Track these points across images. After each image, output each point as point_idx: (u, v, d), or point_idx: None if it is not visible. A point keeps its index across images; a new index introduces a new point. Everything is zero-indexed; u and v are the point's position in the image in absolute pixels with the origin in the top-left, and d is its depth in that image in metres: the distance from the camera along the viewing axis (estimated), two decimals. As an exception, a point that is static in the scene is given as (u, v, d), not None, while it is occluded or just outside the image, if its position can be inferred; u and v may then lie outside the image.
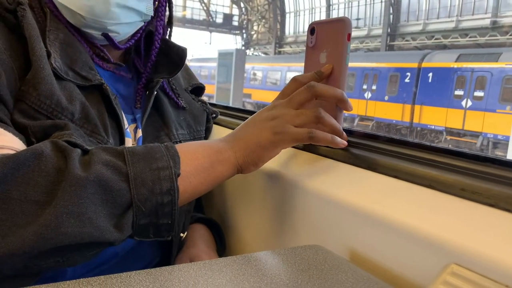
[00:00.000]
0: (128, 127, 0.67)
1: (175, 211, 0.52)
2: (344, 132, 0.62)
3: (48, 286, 0.38)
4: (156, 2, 0.72)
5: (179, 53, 0.76)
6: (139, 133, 0.69)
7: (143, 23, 0.70)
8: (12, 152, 0.49)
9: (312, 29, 0.64)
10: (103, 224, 0.47)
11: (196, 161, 0.55)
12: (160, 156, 0.52)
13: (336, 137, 0.59)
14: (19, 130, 0.53)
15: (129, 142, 0.65)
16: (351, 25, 0.60)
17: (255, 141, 0.58)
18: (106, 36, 0.66)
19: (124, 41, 0.71)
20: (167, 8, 0.76)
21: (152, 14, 0.69)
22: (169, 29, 0.77)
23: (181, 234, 0.72)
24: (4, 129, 0.51)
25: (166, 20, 0.76)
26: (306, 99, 0.59)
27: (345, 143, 0.61)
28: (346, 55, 0.59)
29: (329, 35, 0.61)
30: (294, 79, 0.62)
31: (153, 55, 0.74)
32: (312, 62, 0.64)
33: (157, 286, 0.39)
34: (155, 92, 0.72)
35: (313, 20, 0.64)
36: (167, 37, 0.77)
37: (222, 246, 0.80)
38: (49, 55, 0.58)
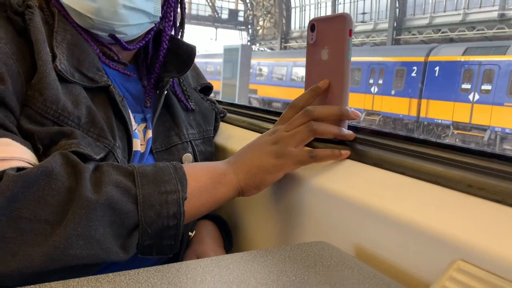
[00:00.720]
0: (136, 128, 0.68)
1: (179, 233, 0.53)
2: (347, 132, 0.63)
3: (58, 284, 0.38)
4: (165, 3, 0.72)
5: (188, 51, 0.76)
6: (149, 133, 0.69)
7: (153, 24, 0.70)
8: (22, 163, 0.49)
9: (312, 26, 0.64)
10: (110, 246, 0.48)
11: (199, 182, 0.57)
12: (168, 179, 0.53)
13: (335, 150, 0.61)
14: (26, 136, 0.54)
15: (137, 143, 0.66)
16: (352, 20, 0.60)
17: (257, 165, 0.60)
18: (113, 37, 0.66)
19: (134, 42, 0.71)
20: (178, 9, 0.75)
21: (160, 15, 0.69)
22: (181, 30, 0.77)
23: (190, 233, 0.72)
24: (12, 139, 0.51)
25: (178, 19, 0.76)
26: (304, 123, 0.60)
27: (348, 152, 0.62)
28: (348, 51, 0.59)
29: (330, 31, 0.61)
30: (291, 105, 0.64)
31: (161, 55, 0.74)
32: (314, 59, 0.64)
33: (165, 282, 0.39)
34: (165, 92, 0.72)
35: (318, 14, 0.63)
36: (178, 37, 0.77)
37: (229, 243, 0.81)
38: (54, 57, 0.58)
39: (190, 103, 0.79)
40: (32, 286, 0.37)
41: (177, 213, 0.52)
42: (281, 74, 13.32)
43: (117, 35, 0.66)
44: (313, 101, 0.63)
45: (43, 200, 0.46)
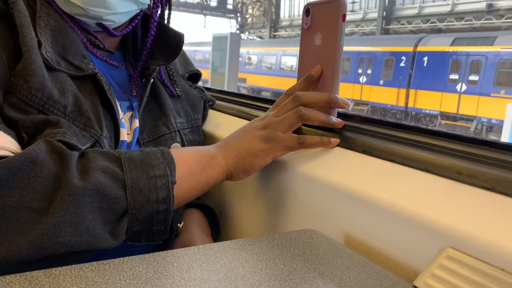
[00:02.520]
0: (123, 116, 0.66)
1: (169, 218, 0.52)
2: (335, 120, 0.62)
3: (40, 272, 0.37)
4: None
5: (176, 39, 0.74)
6: (136, 123, 0.68)
7: (139, 11, 0.69)
8: (5, 151, 0.48)
9: (307, 10, 0.63)
10: (99, 232, 0.47)
11: (187, 166, 0.56)
12: (157, 164, 0.52)
13: (325, 137, 0.61)
14: (9, 124, 0.52)
15: (124, 133, 0.64)
16: (346, 5, 0.59)
17: (246, 148, 0.59)
18: (100, 25, 0.64)
19: (120, 28, 0.69)
20: None
21: (149, 2, 0.68)
22: (167, 13, 0.75)
23: (178, 225, 0.71)
24: None
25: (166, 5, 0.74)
26: (293, 109, 0.60)
27: (337, 140, 0.61)
28: (341, 36, 0.59)
29: (324, 16, 0.60)
30: (286, 93, 0.64)
31: (148, 42, 0.73)
32: (308, 44, 0.63)
33: (151, 271, 0.39)
34: (152, 80, 0.70)
35: (307, 3, 0.63)
36: (165, 22, 0.76)
37: (217, 232, 0.80)
38: (40, 44, 0.56)
39: (176, 89, 0.78)
40: (12, 275, 0.36)
41: (167, 198, 0.51)
42: (270, 63, 13.28)
43: (104, 23, 0.64)
44: (308, 89, 0.63)
45: (28, 187, 0.45)
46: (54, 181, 0.46)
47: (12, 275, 0.36)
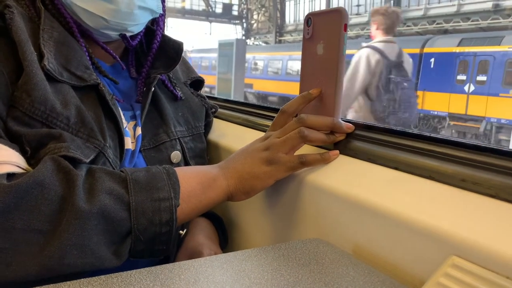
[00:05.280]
0: (127, 125, 0.67)
1: (171, 239, 0.54)
2: (344, 124, 0.63)
3: (49, 287, 0.38)
4: None
5: (175, 48, 0.75)
6: (139, 130, 0.68)
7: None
8: (12, 167, 0.49)
9: (308, 20, 0.63)
10: (103, 253, 0.49)
11: (189, 187, 0.57)
12: (161, 186, 0.53)
13: (325, 153, 0.61)
14: (13, 138, 0.53)
15: (128, 141, 0.65)
16: (348, 15, 0.59)
17: (248, 171, 0.60)
18: (124, 36, 0.67)
19: (134, 38, 0.72)
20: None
21: (162, 12, 0.71)
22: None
23: (180, 232, 0.72)
24: (0, 143, 0.50)
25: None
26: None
27: (336, 152, 0.62)
28: (343, 46, 0.59)
29: (325, 26, 0.61)
30: (282, 110, 0.65)
31: (154, 48, 0.74)
32: (310, 54, 0.63)
33: (158, 284, 0.39)
34: (153, 89, 0.72)
35: (313, 8, 0.63)
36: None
37: (225, 240, 0.80)
38: (42, 56, 0.57)
39: (178, 91, 0.79)
40: (22, 290, 0.37)
41: (170, 221, 0.53)
42: (277, 68, 13.28)
43: (126, 34, 0.67)
44: (303, 107, 0.64)
45: (36, 210, 0.46)
46: (60, 203, 0.47)
47: (22, 290, 0.37)
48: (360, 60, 2.25)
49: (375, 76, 2.24)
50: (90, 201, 0.48)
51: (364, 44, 2.35)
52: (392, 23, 2.35)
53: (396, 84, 2.28)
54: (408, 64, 2.39)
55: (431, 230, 0.43)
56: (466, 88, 8.57)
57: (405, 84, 2.31)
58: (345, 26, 0.59)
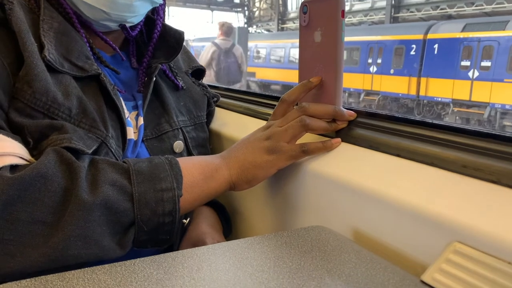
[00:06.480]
0: (129, 116, 0.67)
1: (174, 228, 0.54)
2: (346, 112, 0.62)
3: (54, 276, 0.38)
4: None
5: (176, 37, 0.75)
6: (141, 120, 0.69)
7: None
8: (15, 158, 0.49)
9: (304, 8, 0.63)
10: (107, 244, 0.49)
11: (191, 178, 0.57)
12: (164, 176, 0.54)
13: (327, 141, 0.61)
14: (16, 129, 0.53)
15: (130, 131, 0.65)
16: (344, 2, 0.59)
17: (250, 160, 0.60)
18: (123, 27, 0.67)
19: (134, 28, 0.72)
20: None
21: (161, 1, 0.70)
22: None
23: (184, 221, 0.72)
24: (3, 134, 0.51)
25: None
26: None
27: (338, 140, 0.62)
28: (341, 33, 0.58)
29: (322, 13, 0.60)
30: (282, 99, 0.64)
31: (154, 38, 0.74)
32: (307, 41, 0.63)
33: (161, 272, 0.39)
34: (154, 78, 0.71)
35: (304, 1, 0.63)
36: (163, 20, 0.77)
37: (228, 228, 0.81)
38: (42, 47, 0.57)
39: (180, 81, 0.79)
40: (28, 279, 0.38)
41: (173, 211, 0.53)
42: (279, 56, 13.22)
43: (126, 25, 0.67)
44: (304, 95, 0.63)
45: (40, 202, 0.47)
46: (64, 195, 0.48)
47: (27, 280, 0.37)
48: (206, 49, 4.57)
49: (214, 59, 4.48)
50: (93, 193, 0.48)
51: (211, 41, 4.61)
52: (228, 30, 4.66)
53: (226, 62, 4.56)
54: (237, 51, 4.71)
55: (433, 216, 0.43)
56: (470, 74, 8.51)
57: (230, 61, 4.58)
58: (343, 12, 0.58)
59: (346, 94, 10.38)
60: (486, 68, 8.27)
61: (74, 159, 0.51)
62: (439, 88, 9.10)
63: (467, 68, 8.56)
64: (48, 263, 0.46)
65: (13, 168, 0.49)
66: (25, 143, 0.53)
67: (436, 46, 9.07)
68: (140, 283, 0.38)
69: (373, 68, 10.45)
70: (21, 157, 0.50)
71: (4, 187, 0.45)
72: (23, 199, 0.46)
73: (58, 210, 0.47)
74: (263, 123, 0.67)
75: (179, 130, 0.74)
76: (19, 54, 0.55)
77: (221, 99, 0.93)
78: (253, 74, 13.90)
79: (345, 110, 0.63)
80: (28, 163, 0.51)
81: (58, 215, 0.47)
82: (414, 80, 9.56)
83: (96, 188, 0.49)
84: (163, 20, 0.75)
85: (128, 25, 0.68)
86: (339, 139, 0.62)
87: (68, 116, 0.56)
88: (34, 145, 0.53)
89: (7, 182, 0.45)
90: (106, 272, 0.39)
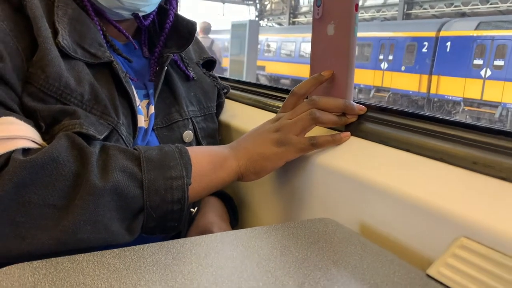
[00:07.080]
0: (140, 104, 0.68)
1: (182, 216, 0.55)
2: (357, 106, 0.62)
3: (64, 259, 0.39)
4: None
5: (189, 27, 0.75)
6: (152, 109, 0.69)
7: None
8: (27, 142, 0.50)
9: (318, 1, 0.62)
10: (116, 229, 0.50)
11: (200, 167, 0.57)
12: (174, 165, 0.54)
13: (336, 134, 0.61)
14: (28, 113, 0.54)
15: (141, 120, 0.66)
16: None
17: (258, 152, 0.60)
18: (136, 16, 0.67)
19: (146, 17, 0.72)
20: None
21: None
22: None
23: (191, 210, 0.73)
24: (16, 117, 0.51)
25: None
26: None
27: (348, 134, 0.62)
28: (354, 26, 0.58)
29: (336, 6, 0.60)
30: (292, 92, 0.64)
31: (167, 28, 0.74)
32: (320, 34, 0.63)
33: (170, 258, 0.40)
34: (166, 68, 0.72)
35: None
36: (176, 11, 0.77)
37: (235, 219, 0.81)
38: (56, 33, 0.57)
39: (191, 72, 0.79)
40: (39, 261, 0.38)
41: (182, 199, 0.54)
42: (290, 50, 13.17)
43: (139, 13, 0.68)
44: (315, 89, 0.63)
45: (51, 185, 0.47)
46: (74, 179, 0.48)
47: (38, 261, 0.38)
48: None
49: None
50: (104, 178, 0.49)
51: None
52: (205, 29, 5.34)
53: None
54: (216, 48, 5.74)
55: (441, 212, 0.43)
56: (482, 73, 8.42)
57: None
58: (356, 6, 0.58)
59: (356, 90, 10.33)
60: (499, 67, 8.18)
61: (85, 144, 0.51)
62: (450, 87, 9.02)
63: (479, 67, 8.47)
64: (57, 246, 0.47)
65: (26, 151, 0.49)
66: (38, 128, 0.54)
67: (448, 44, 8.98)
68: (148, 267, 0.38)
69: (384, 65, 10.38)
70: (33, 141, 0.51)
71: (17, 169, 0.46)
72: (35, 182, 0.46)
73: (68, 194, 0.48)
74: (272, 115, 0.67)
75: (189, 120, 0.74)
76: (33, 39, 0.56)
77: (231, 91, 0.94)
78: (262, 68, 13.87)
79: (355, 104, 0.62)
80: (40, 147, 0.52)
81: (68, 199, 0.48)
82: (425, 77, 9.49)
83: (107, 173, 0.50)
84: (176, 10, 0.76)
85: (141, 14, 0.68)
86: (348, 133, 0.62)
87: (80, 102, 0.57)
88: (46, 130, 0.54)
89: (20, 165, 0.46)
90: (115, 256, 0.40)
